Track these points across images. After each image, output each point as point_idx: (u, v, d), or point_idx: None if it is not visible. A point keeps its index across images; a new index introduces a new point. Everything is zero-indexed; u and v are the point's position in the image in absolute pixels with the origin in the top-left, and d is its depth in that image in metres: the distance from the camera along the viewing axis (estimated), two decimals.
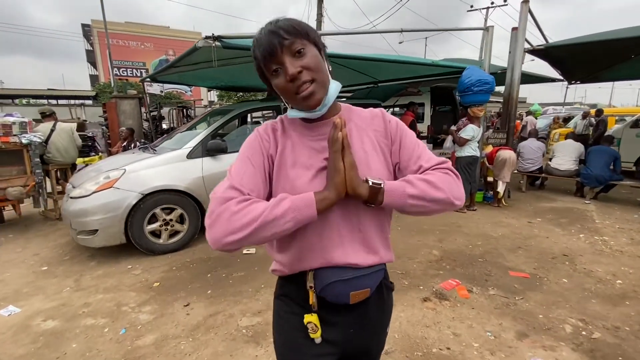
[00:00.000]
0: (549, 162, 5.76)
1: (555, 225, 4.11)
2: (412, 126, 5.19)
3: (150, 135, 6.71)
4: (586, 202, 5.19)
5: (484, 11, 14.81)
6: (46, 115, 4.58)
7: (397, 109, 9.24)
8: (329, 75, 0.76)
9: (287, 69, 0.69)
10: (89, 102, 22.38)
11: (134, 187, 3.13)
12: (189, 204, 3.39)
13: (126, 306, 2.45)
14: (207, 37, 2.77)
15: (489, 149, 5.24)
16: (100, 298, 2.57)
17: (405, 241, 3.60)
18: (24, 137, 3.90)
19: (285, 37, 0.69)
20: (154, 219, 3.26)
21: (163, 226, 3.31)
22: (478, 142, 4.60)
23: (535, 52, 5.10)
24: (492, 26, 4.90)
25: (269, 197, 0.78)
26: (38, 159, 4.06)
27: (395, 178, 0.82)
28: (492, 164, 4.92)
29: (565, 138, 6.00)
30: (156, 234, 3.31)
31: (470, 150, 4.54)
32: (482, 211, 4.74)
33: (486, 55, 5.05)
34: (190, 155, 3.45)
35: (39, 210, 4.50)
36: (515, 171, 5.87)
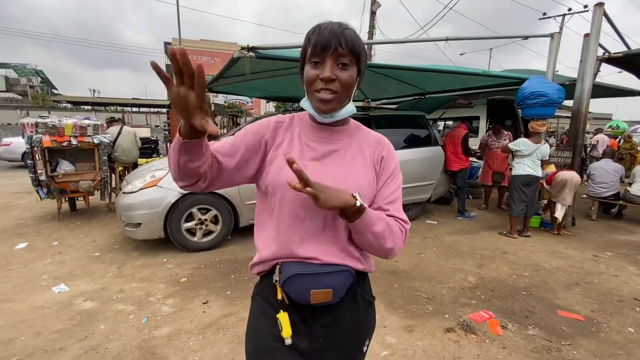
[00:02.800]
0: (629, 188, 4.93)
1: (630, 263, 3.47)
2: (465, 140, 4.86)
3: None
4: None
5: (559, 19, 13.43)
6: (113, 121, 5.24)
7: (450, 122, 8.77)
8: (351, 98, 0.82)
9: (324, 69, 0.74)
10: (163, 110, 25.08)
11: (175, 186, 3.35)
12: (223, 206, 3.56)
13: (153, 297, 2.62)
14: (242, 48, 2.93)
15: (551, 168, 4.66)
16: (134, 286, 2.78)
17: (438, 263, 3.33)
18: (96, 137, 4.47)
19: (343, 46, 0.74)
20: (190, 217, 3.47)
21: (198, 225, 3.50)
22: (536, 161, 4.10)
23: (613, 60, 4.45)
24: (558, 32, 4.41)
25: (243, 166, 0.83)
26: (106, 157, 4.62)
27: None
28: (551, 185, 4.35)
29: None
30: (192, 232, 3.52)
31: (527, 168, 4.07)
32: (537, 238, 4.20)
33: (550, 65, 4.54)
34: None
35: (105, 203, 5.09)
36: (584, 196, 5.15)
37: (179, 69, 0.57)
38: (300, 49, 0.82)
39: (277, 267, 0.81)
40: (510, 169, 4.51)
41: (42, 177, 4.14)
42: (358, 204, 0.72)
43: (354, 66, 0.77)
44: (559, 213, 4.20)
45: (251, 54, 2.94)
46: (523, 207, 4.12)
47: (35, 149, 4.06)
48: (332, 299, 0.79)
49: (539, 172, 4.10)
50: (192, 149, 0.69)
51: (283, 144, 0.84)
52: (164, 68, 0.61)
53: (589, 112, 4.75)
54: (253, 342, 0.86)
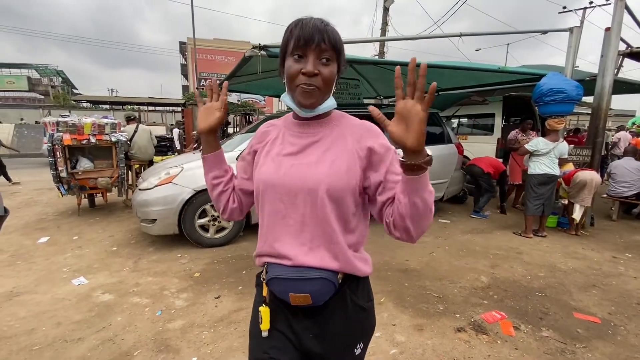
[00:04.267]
0: None
1: None
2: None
3: (219, 139, 7.38)
4: None
5: (580, 13, 12.96)
6: (130, 119, 5.37)
7: (464, 120, 8.61)
8: (331, 93, 0.83)
9: (307, 63, 0.75)
10: (179, 109, 25.52)
11: (189, 183, 3.45)
12: None
13: (167, 291, 2.69)
14: (254, 47, 2.96)
15: (569, 167, 4.53)
16: (149, 280, 2.87)
17: (450, 262, 3.30)
18: (114, 136, 4.61)
19: (325, 41, 0.75)
20: (204, 214, 3.54)
21: (211, 221, 3.57)
22: (553, 159, 3.98)
23: (636, 55, 4.28)
24: (578, 26, 4.27)
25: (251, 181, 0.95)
26: (123, 155, 4.75)
27: (361, 196, 0.83)
28: (569, 185, 4.23)
29: None
30: (205, 228, 3.59)
31: (544, 167, 3.96)
32: (554, 238, 4.09)
33: (569, 60, 4.40)
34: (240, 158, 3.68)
35: (122, 199, 5.25)
36: (604, 195, 4.98)
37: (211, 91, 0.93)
38: None
39: (265, 266, 0.86)
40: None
41: (63, 174, 4.30)
42: (430, 152, 0.65)
43: (334, 62, 0.78)
44: (577, 214, 4.08)
45: (262, 52, 2.96)
46: (539, 206, 4.02)
47: (57, 146, 4.21)
48: (312, 302, 0.79)
49: (556, 171, 3.99)
50: (214, 163, 0.94)
51: (267, 145, 0.89)
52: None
53: (611, 109, 4.58)
54: (251, 329, 0.91)
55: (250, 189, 0.93)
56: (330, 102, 0.83)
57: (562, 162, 4.11)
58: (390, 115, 0.65)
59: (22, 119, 18.36)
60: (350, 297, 0.84)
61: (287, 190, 0.81)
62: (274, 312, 0.85)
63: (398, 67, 0.66)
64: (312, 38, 0.74)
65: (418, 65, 0.63)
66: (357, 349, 0.87)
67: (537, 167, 4.00)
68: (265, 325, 0.83)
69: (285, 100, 0.85)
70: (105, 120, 4.55)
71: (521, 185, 5.34)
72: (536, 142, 4.02)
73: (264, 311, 0.84)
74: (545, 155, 3.96)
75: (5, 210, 0.92)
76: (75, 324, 2.23)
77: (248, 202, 0.98)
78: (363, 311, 0.87)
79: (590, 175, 4.03)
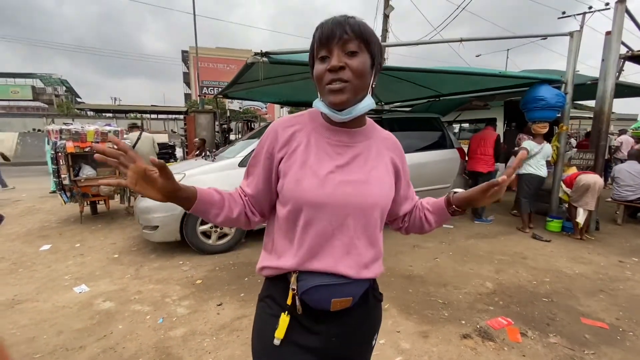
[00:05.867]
0: None
1: None
2: (498, 143, 4.77)
3: (221, 145, 7.41)
4: None
5: (579, 18, 13.04)
6: (134, 127, 5.42)
7: (465, 125, 8.61)
8: (368, 89, 0.76)
9: (332, 60, 0.71)
10: (181, 116, 25.72)
11: None
12: None
13: (169, 298, 2.67)
14: (256, 54, 2.98)
15: (572, 170, 4.50)
16: (151, 288, 2.85)
17: (455, 268, 3.26)
18: None
19: (348, 32, 0.70)
20: (205, 220, 3.53)
21: (213, 228, 3.56)
22: (540, 161, 4.39)
23: (636, 58, 4.28)
24: (578, 31, 4.28)
25: (274, 192, 0.84)
26: None
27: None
28: (572, 188, 4.20)
29: None
30: (207, 234, 3.57)
31: (530, 168, 4.39)
32: (558, 243, 4.05)
33: (570, 64, 4.41)
34: (242, 164, 3.68)
35: (124, 207, 5.25)
36: (609, 199, 4.94)
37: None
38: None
39: (294, 275, 0.79)
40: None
41: (66, 182, 4.31)
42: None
43: (364, 52, 0.72)
44: (581, 218, 4.04)
45: (264, 59, 2.98)
46: (527, 203, 4.45)
47: (60, 154, 4.24)
48: (350, 305, 0.81)
49: (543, 172, 4.40)
50: (203, 207, 0.78)
51: (298, 151, 0.78)
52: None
53: (613, 113, 4.57)
54: (261, 341, 0.84)
55: (272, 198, 0.85)
56: (368, 102, 0.76)
57: (550, 164, 4.52)
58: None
59: (35, 129, 18.47)
60: (372, 293, 0.88)
61: (338, 211, 0.75)
62: (293, 322, 0.80)
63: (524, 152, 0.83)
64: (332, 34, 0.70)
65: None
66: (374, 341, 0.91)
67: (524, 168, 4.42)
68: (280, 333, 0.78)
69: (319, 106, 0.78)
70: (108, 128, 4.58)
71: None
72: (528, 144, 4.38)
73: (284, 319, 0.79)
74: (532, 157, 4.35)
75: (1, 217, 0.91)
76: (77, 332, 2.21)
77: (270, 208, 0.87)
78: (379, 302, 0.91)
79: (594, 179, 4.01)
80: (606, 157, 5.76)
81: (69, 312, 2.44)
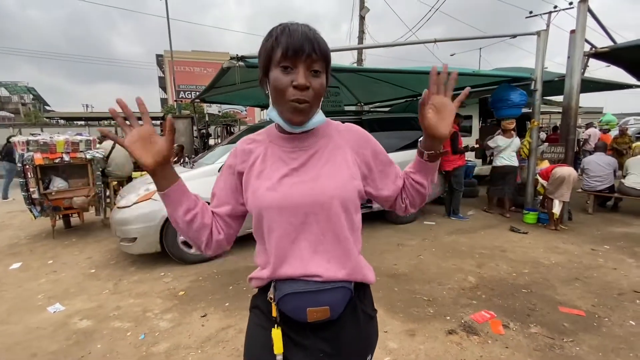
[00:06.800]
0: (623, 180, 4.97)
1: (628, 255, 3.48)
2: (455, 138, 4.81)
3: (200, 151, 7.25)
4: None
5: (546, 17, 13.60)
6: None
7: None
8: (319, 106, 0.79)
9: (298, 76, 0.69)
10: (157, 122, 25.05)
11: None
12: None
13: (150, 312, 2.57)
14: (232, 58, 2.94)
15: (545, 164, 4.68)
16: (130, 302, 2.74)
17: (438, 264, 3.32)
18: (89, 153, 4.44)
19: (317, 51, 0.70)
20: None
21: None
22: (511, 153, 4.85)
23: (600, 55, 4.50)
24: (545, 30, 4.46)
25: (243, 205, 0.84)
26: (99, 172, 4.58)
27: (367, 190, 0.86)
28: (547, 180, 4.37)
29: None
30: (188, 244, 3.48)
31: (504, 160, 4.86)
32: (535, 234, 4.20)
33: (539, 62, 4.59)
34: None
35: (100, 219, 5.04)
36: (579, 190, 5.17)
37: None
38: None
39: (272, 284, 0.79)
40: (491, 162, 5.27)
41: (35, 195, 4.09)
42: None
43: (324, 73, 0.74)
44: (557, 209, 4.21)
45: (241, 63, 2.94)
46: (500, 190, 4.97)
47: (27, 166, 4.02)
48: (330, 315, 0.76)
49: (515, 162, 4.89)
50: (179, 195, 0.75)
51: (255, 164, 0.80)
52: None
53: (580, 107, 4.79)
54: (250, 353, 0.84)
55: (240, 213, 0.85)
56: (320, 117, 0.78)
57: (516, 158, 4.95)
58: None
59: (15, 132, 17.29)
60: (361, 307, 0.83)
61: (295, 212, 0.75)
62: (284, 338, 0.78)
63: (435, 66, 0.77)
64: (302, 48, 0.68)
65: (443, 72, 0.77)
66: None
67: (498, 161, 4.89)
68: (278, 349, 0.76)
69: (272, 116, 0.77)
70: (79, 137, 4.38)
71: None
72: (496, 140, 4.91)
73: (277, 334, 0.77)
74: (504, 150, 4.82)
75: None
76: (52, 354, 2.09)
77: (237, 228, 0.87)
78: (371, 320, 0.87)
79: (568, 171, 4.18)
80: (575, 150, 6.03)
81: (43, 334, 2.31)
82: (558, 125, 10.32)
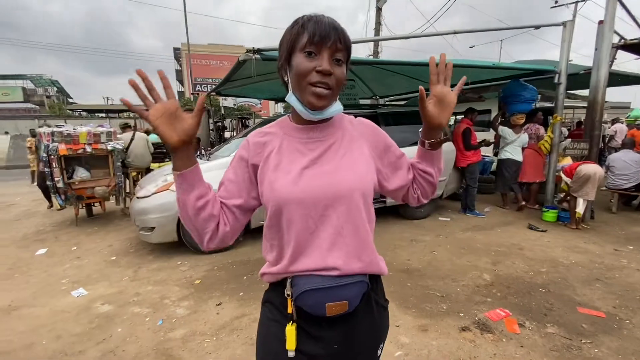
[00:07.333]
0: None
1: None
2: (466, 134, 4.70)
3: (216, 144, 7.36)
4: None
5: (572, 7, 12.99)
6: (126, 127, 5.35)
7: (460, 117, 8.62)
8: (337, 96, 0.81)
9: (323, 62, 0.71)
10: None
11: None
12: None
13: (168, 299, 2.66)
14: (248, 51, 2.94)
15: (567, 160, 4.53)
16: (149, 289, 2.83)
17: (452, 261, 3.28)
18: (110, 144, 4.58)
19: (341, 40, 0.73)
20: None
21: None
22: (517, 148, 4.90)
23: (629, 47, 4.29)
24: (571, 20, 4.27)
25: (255, 199, 0.82)
26: (119, 163, 4.72)
27: (379, 182, 0.87)
28: (571, 178, 4.22)
29: None
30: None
31: (508, 154, 4.93)
32: (554, 232, 4.08)
33: (564, 54, 4.41)
34: None
35: (120, 208, 5.21)
36: (604, 188, 4.98)
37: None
38: None
39: (289, 280, 0.78)
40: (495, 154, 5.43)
41: (60, 185, 4.26)
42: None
43: (345, 64, 0.76)
44: (581, 208, 4.07)
45: (257, 56, 2.95)
46: (507, 186, 5.07)
47: (52, 157, 4.18)
48: (348, 309, 0.77)
49: (519, 157, 4.95)
50: (194, 179, 0.73)
51: (270, 156, 0.79)
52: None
53: (606, 102, 4.59)
54: (264, 349, 0.84)
55: (251, 206, 0.83)
56: (338, 107, 0.80)
57: (524, 150, 5.00)
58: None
59: (40, 124, 17.93)
60: (374, 298, 0.85)
61: (315, 204, 0.75)
62: (297, 330, 0.78)
63: (433, 57, 0.78)
64: (328, 35, 0.70)
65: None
66: (379, 350, 0.88)
67: (503, 153, 4.98)
68: (291, 345, 0.77)
69: (291, 101, 0.77)
70: (100, 129, 4.52)
71: (532, 184, 5.15)
72: (504, 130, 4.97)
73: (290, 330, 0.77)
74: (511, 145, 4.89)
75: None
76: (75, 336, 2.20)
77: (244, 222, 0.84)
78: (384, 310, 0.89)
79: (594, 169, 4.02)
80: (600, 146, 5.79)
81: (67, 317, 2.43)
82: (582, 120, 9.94)
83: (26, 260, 3.51)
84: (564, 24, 4.33)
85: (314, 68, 0.71)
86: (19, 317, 2.44)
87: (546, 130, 4.94)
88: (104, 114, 24.71)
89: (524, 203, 5.02)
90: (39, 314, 2.48)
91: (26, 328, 2.30)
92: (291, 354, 0.77)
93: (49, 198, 5.22)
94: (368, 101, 7.54)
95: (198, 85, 30.11)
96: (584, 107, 9.03)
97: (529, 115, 5.25)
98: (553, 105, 4.74)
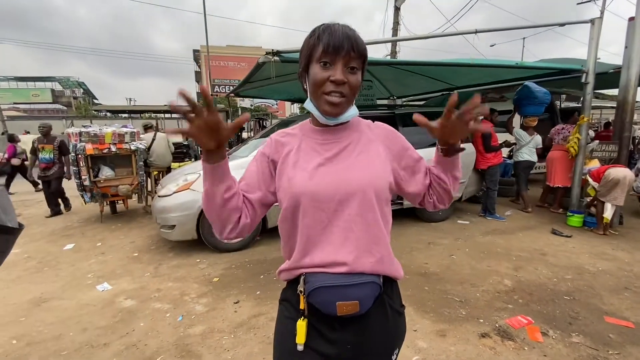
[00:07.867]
0: None
1: None
2: (487, 137, 4.57)
3: (234, 144, 7.48)
4: None
5: (600, 3, 12.46)
6: (148, 127, 5.52)
7: (481, 118, 8.43)
8: (354, 101, 0.83)
9: (337, 72, 0.74)
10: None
11: None
12: None
13: (187, 296, 2.72)
14: (267, 53, 2.98)
15: (594, 163, 4.35)
16: (169, 286, 2.91)
17: (471, 265, 3.21)
18: (133, 144, 4.73)
19: (355, 49, 0.75)
20: None
21: None
22: (532, 149, 4.97)
23: None
24: (599, 17, 4.10)
25: (272, 194, 0.86)
26: (142, 163, 4.88)
27: (396, 184, 0.87)
28: (599, 182, 4.04)
29: None
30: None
31: (525, 155, 4.96)
32: (580, 238, 3.93)
33: (591, 52, 4.23)
34: None
35: (142, 206, 5.38)
36: (632, 192, 4.75)
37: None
38: None
39: (302, 277, 0.80)
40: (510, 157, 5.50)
41: (86, 183, 4.44)
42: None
43: (360, 71, 0.78)
44: (609, 213, 3.90)
45: (276, 58, 2.98)
46: (524, 188, 5.14)
47: (80, 156, 4.36)
48: (359, 310, 0.78)
49: (534, 158, 5.02)
50: (224, 172, 0.76)
51: (290, 155, 0.84)
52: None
53: (637, 102, 4.38)
54: (280, 347, 0.86)
55: (269, 201, 0.86)
56: (354, 111, 0.83)
57: (537, 150, 5.08)
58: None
59: (67, 124, 18.67)
60: (388, 302, 0.85)
61: (329, 198, 0.78)
62: (309, 327, 0.81)
63: (456, 94, 0.74)
64: (341, 46, 0.73)
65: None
66: (394, 355, 0.87)
67: (520, 155, 4.99)
68: (301, 339, 0.79)
69: (309, 107, 0.83)
70: (124, 130, 4.68)
71: (558, 188, 4.97)
72: (519, 131, 5.03)
73: (301, 325, 0.79)
74: (526, 146, 4.95)
75: (21, 225, 0.91)
76: (101, 329, 2.28)
77: (261, 216, 0.87)
78: (399, 315, 0.88)
79: (624, 173, 3.84)
80: (630, 149, 5.53)
81: (92, 310, 2.53)
82: (610, 121, 9.51)
83: (55, 254, 3.67)
84: (592, 21, 4.15)
85: (328, 78, 0.75)
86: (48, 309, 2.56)
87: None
88: (127, 115, 25.52)
89: (530, 210, 5.07)
90: (67, 306, 2.59)
91: (55, 320, 2.41)
92: (300, 347, 0.79)
93: (50, 204, 5.27)
94: (385, 101, 7.48)
95: (216, 87, 30.68)
96: (612, 107, 8.63)
97: (566, 116, 5.18)
98: (579, 105, 4.56)
